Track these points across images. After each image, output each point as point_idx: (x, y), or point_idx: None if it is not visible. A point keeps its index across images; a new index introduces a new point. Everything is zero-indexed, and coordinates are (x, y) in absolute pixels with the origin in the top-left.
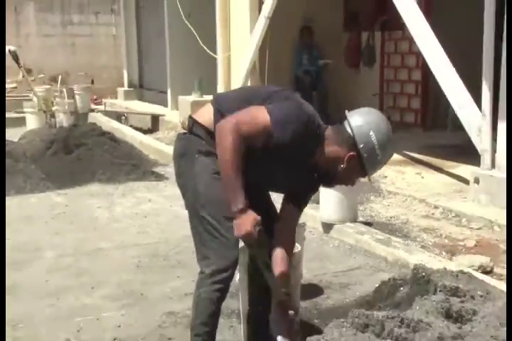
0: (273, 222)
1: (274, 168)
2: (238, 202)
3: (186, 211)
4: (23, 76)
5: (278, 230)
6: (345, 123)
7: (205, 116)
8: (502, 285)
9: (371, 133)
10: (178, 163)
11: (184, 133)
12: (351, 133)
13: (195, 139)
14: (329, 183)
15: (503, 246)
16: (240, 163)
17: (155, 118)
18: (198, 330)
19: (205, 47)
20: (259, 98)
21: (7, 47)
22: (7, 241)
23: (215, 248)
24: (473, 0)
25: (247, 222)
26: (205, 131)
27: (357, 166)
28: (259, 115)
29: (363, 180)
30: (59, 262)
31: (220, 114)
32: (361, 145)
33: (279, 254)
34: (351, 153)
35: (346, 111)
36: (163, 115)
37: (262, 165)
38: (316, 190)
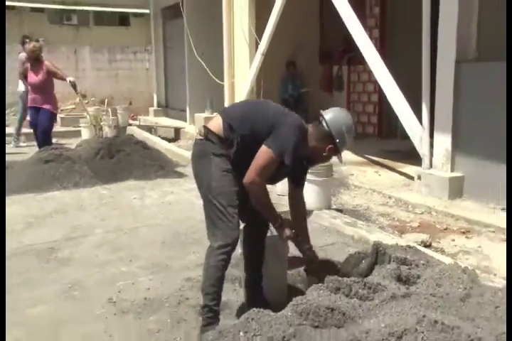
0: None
1: (285, 169)
2: (275, 221)
3: (201, 200)
4: (79, 100)
5: (292, 206)
6: (322, 120)
7: (216, 125)
8: (438, 256)
9: (343, 127)
10: (196, 162)
11: (201, 140)
12: (327, 129)
13: (210, 144)
14: (313, 165)
15: (439, 226)
16: (269, 199)
17: (177, 130)
18: (208, 290)
19: (214, 77)
20: (264, 123)
21: (68, 78)
22: (67, 223)
23: (222, 228)
24: (415, 41)
25: (286, 230)
26: (217, 137)
27: (333, 152)
28: (267, 159)
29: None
30: (105, 238)
31: (227, 123)
32: (337, 140)
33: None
34: (331, 146)
35: (321, 111)
36: (183, 128)
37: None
38: (306, 171)
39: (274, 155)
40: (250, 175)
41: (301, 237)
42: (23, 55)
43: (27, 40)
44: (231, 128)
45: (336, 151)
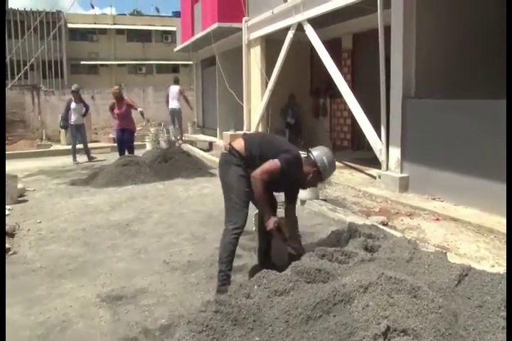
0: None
1: (283, 182)
2: (267, 215)
3: None
4: (145, 123)
5: (286, 217)
6: (310, 154)
7: (239, 145)
8: (392, 231)
9: (324, 158)
10: (222, 169)
11: (226, 153)
12: (314, 159)
13: (232, 157)
14: (304, 187)
15: (393, 211)
16: (266, 194)
17: (210, 144)
18: (224, 260)
19: (239, 101)
20: (273, 149)
21: (139, 109)
22: (136, 207)
23: (235, 215)
24: (375, 82)
25: (271, 222)
26: (238, 154)
27: (318, 176)
28: (275, 167)
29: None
30: (161, 218)
31: (249, 150)
32: (319, 164)
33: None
34: (315, 169)
35: (309, 149)
36: (214, 141)
37: (278, 181)
38: (298, 190)
39: (280, 165)
40: (258, 172)
41: (293, 237)
42: (175, 88)
43: (178, 80)
44: (250, 153)
45: (320, 175)
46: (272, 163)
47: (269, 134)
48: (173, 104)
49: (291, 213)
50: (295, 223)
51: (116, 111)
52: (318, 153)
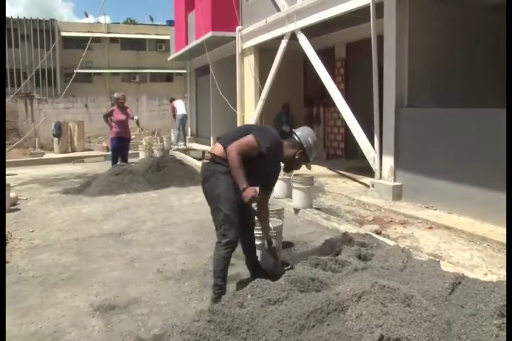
0: (251, 219)
1: (262, 167)
2: (243, 183)
3: None
4: (139, 131)
5: (260, 209)
6: (294, 135)
7: (218, 150)
8: (386, 240)
9: (309, 139)
10: (206, 179)
11: (208, 162)
12: (299, 140)
13: (217, 165)
14: (288, 169)
15: (386, 219)
16: (241, 166)
17: (204, 152)
18: (218, 274)
19: (233, 109)
20: (244, 132)
21: (135, 118)
22: (129, 216)
23: (227, 229)
24: (368, 91)
25: (250, 191)
26: (221, 159)
27: (303, 157)
28: (249, 140)
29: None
30: (154, 227)
31: (225, 148)
32: (305, 146)
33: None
34: (301, 151)
35: (293, 130)
36: (208, 150)
37: (257, 167)
38: (277, 178)
39: (255, 141)
40: (233, 145)
41: (264, 227)
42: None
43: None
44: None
45: (305, 156)
46: (247, 138)
47: (242, 126)
48: (184, 110)
49: (264, 202)
50: (267, 213)
51: (118, 118)
52: (303, 133)
